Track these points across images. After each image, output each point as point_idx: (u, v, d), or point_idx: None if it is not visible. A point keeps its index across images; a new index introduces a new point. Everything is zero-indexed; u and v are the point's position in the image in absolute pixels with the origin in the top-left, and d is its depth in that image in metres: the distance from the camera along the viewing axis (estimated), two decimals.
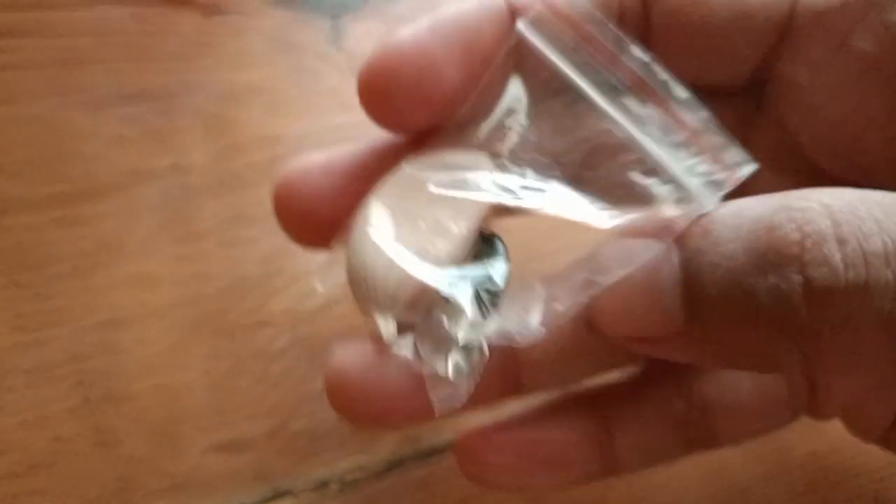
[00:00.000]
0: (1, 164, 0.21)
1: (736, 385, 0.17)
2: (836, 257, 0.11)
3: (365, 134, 0.23)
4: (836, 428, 0.21)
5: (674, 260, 0.13)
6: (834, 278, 0.11)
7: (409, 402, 0.15)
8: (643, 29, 0.16)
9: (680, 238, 0.13)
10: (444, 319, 0.14)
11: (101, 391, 0.19)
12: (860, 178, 0.15)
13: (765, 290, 0.11)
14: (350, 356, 0.15)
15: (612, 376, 0.18)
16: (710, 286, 0.12)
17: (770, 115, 0.17)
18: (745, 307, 0.12)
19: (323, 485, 0.18)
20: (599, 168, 0.15)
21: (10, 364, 0.19)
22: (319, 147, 0.22)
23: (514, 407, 0.17)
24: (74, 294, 0.20)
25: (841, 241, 0.11)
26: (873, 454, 0.20)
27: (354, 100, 0.23)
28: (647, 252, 0.13)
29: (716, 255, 0.12)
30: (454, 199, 0.15)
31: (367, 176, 0.16)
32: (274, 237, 0.21)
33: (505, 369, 0.16)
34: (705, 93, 0.15)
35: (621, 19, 0.16)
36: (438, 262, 0.15)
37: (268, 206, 0.21)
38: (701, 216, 0.13)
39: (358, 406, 0.15)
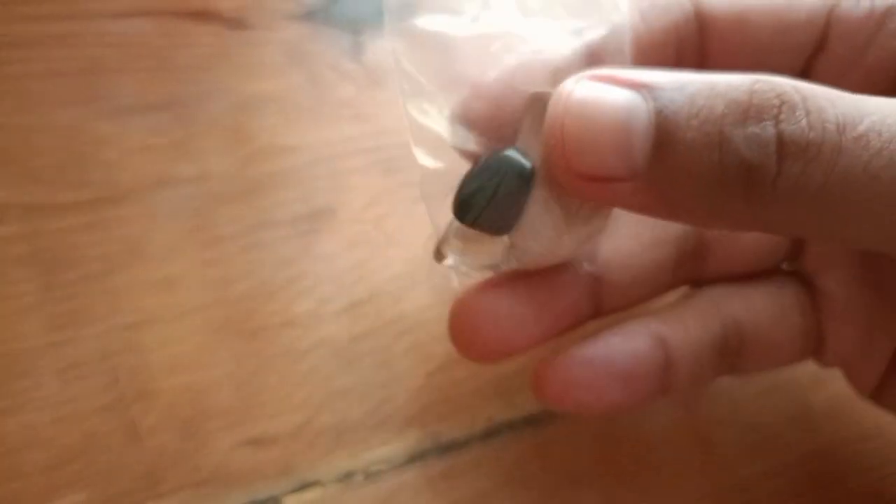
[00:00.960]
0: (29, 170, 0.22)
1: (768, 317, 0.19)
2: (804, 121, 0.13)
3: (380, 144, 0.24)
4: (833, 425, 0.22)
5: (648, 105, 0.14)
6: (801, 135, 0.13)
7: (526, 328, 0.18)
8: (700, 54, 0.18)
9: (652, 88, 0.14)
10: None
11: (131, 389, 0.19)
12: None
13: (743, 136, 0.13)
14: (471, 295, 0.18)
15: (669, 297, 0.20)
16: (685, 130, 0.14)
17: None
18: (718, 150, 0.13)
19: (349, 475, 0.19)
20: None
21: (43, 363, 0.19)
22: (337, 158, 0.23)
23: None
24: (103, 296, 0.20)
25: (807, 111, 0.13)
26: (875, 451, 0.21)
27: (370, 111, 0.25)
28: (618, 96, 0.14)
29: (693, 107, 0.14)
30: None
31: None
32: (294, 241, 0.22)
33: (591, 292, 0.18)
34: None
35: (680, 48, 0.18)
36: None
37: (288, 212, 0.23)
38: (675, 74, 0.14)
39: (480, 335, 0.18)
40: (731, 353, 0.19)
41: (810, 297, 0.20)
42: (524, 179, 0.16)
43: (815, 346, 0.20)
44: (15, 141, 0.22)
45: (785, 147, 0.13)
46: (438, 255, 0.18)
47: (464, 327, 0.18)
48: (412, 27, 0.15)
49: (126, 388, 0.19)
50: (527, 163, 0.16)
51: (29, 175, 0.22)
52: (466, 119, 0.16)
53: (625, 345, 0.18)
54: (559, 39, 0.16)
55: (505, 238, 0.16)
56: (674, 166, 0.14)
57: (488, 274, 0.18)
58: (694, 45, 0.18)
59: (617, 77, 0.14)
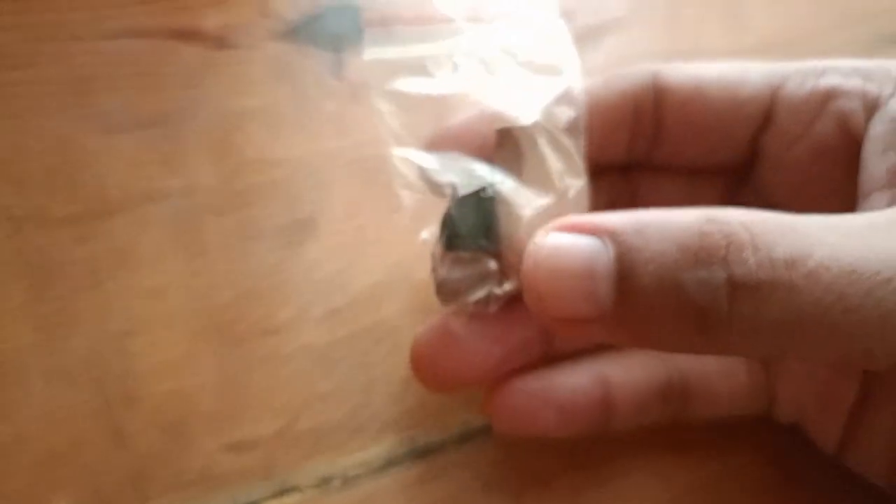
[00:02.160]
0: (21, 183, 0.23)
1: (712, 370, 0.20)
2: (752, 260, 0.14)
3: (360, 157, 0.25)
4: None
5: (609, 251, 0.15)
6: (750, 276, 0.14)
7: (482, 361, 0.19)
8: (656, 123, 0.20)
9: (613, 234, 0.15)
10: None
11: (117, 393, 0.20)
12: None
13: (695, 281, 0.14)
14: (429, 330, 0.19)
15: None
16: (643, 276, 0.15)
17: (755, 184, 0.21)
18: (674, 295, 0.14)
19: (326, 481, 0.20)
20: None
21: (32, 368, 0.20)
22: (319, 170, 0.24)
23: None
24: (91, 304, 0.21)
25: (755, 249, 0.14)
26: None
27: (351, 125, 0.26)
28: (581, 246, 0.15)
29: (648, 252, 0.15)
30: None
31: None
32: (278, 252, 0.23)
33: (542, 339, 0.19)
34: (709, 172, 0.19)
35: (637, 117, 0.20)
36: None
37: (271, 223, 0.23)
38: (633, 217, 0.15)
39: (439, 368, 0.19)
40: (676, 401, 0.20)
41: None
42: (486, 198, 0.18)
43: (768, 404, 0.20)
44: (8, 155, 0.23)
45: (736, 290, 0.14)
46: (443, 297, 0.19)
47: (422, 360, 0.19)
48: (394, 90, 0.18)
49: (113, 394, 0.20)
50: (486, 182, 0.18)
51: (21, 188, 0.23)
52: (436, 148, 0.18)
53: (565, 379, 0.20)
54: (519, 97, 0.18)
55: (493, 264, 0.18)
56: (635, 308, 0.15)
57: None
58: (651, 111, 0.20)
59: (581, 225, 0.15)
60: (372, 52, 0.18)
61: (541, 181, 0.18)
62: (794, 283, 0.14)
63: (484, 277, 0.18)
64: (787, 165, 0.19)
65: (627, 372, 0.20)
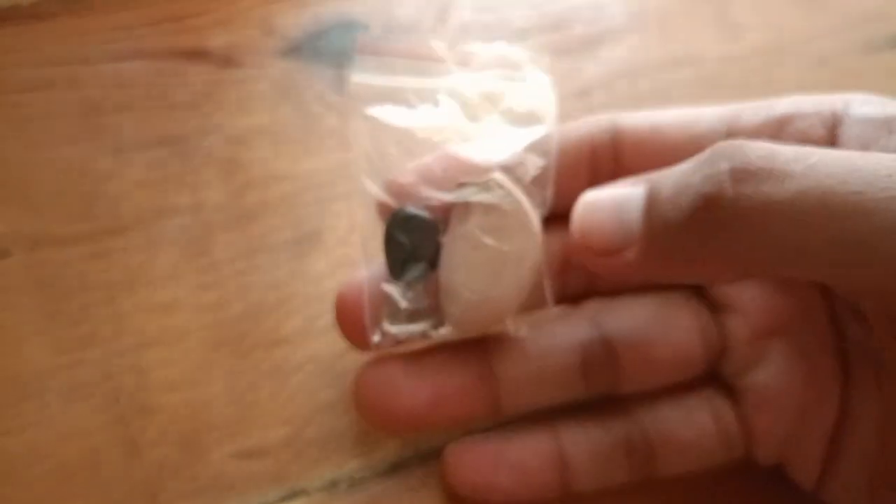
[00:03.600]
0: (35, 204, 0.24)
1: (673, 419, 0.20)
2: (754, 154, 0.15)
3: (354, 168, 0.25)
4: None
5: (641, 189, 0.17)
6: (752, 163, 0.15)
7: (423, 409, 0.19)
8: (615, 165, 0.20)
9: (648, 179, 0.17)
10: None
11: (132, 406, 0.21)
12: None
13: (701, 176, 0.16)
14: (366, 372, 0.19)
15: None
16: (663, 191, 0.17)
17: None
18: (686, 193, 0.16)
19: (333, 484, 0.20)
20: None
21: (49, 383, 0.21)
22: (323, 185, 0.25)
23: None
24: (105, 320, 0.22)
25: (757, 148, 0.15)
26: None
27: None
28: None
29: (671, 177, 0.17)
30: None
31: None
32: (285, 266, 0.24)
33: (485, 391, 0.20)
34: None
35: (595, 161, 0.20)
36: None
37: (278, 238, 0.24)
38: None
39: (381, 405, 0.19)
40: (641, 456, 0.20)
41: (730, 400, 0.20)
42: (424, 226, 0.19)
43: (744, 448, 0.20)
44: (23, 178, 0.24)
45: (737, 173, 0.15)
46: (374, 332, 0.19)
47: (361, 395, 0.20)
48: (372, 115, 0.18)
49: (127, 406, 0.21)
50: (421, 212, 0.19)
51: (36, 209, 0.24)
52: (392, 186, 0.19)
53: (516, 437, 0.20)
54: (493, 141, 0.19)
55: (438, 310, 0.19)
56: (657, 222, 0.16)
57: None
58: (609, 153, 0.20)
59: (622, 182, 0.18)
60: (360, 77, 0.19)
61: (492, 230, 0.18)
62: (793, 171, 0.15)
63: (422, 316, 0.19)
64: None
65: (582, 427, 0.20)
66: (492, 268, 0.18)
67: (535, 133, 0.19)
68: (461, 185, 0.19)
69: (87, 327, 0.22)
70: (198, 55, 0.27)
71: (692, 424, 0.20)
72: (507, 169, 0.19)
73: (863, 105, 0.18)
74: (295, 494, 0.20)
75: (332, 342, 0.22)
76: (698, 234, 0.16)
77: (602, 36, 0.30)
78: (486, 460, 0.20)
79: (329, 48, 0.28)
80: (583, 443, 0.20)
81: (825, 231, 0.14)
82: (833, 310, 0.19)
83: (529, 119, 0.19)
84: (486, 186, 0.18)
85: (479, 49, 0.20)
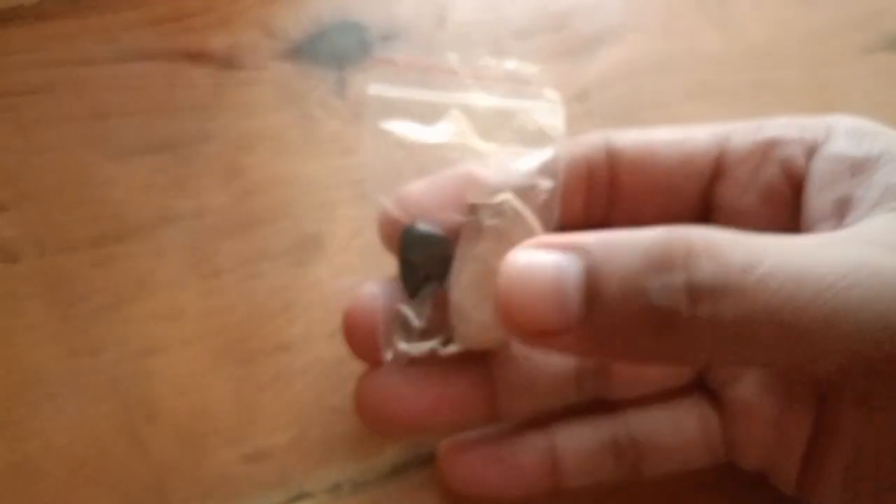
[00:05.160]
0: (41, 209, 0.24)
1: (661, 423, 0.21)
2: (708, 267, 0.15)
3: (363, 177, 0.26)
4: None
5: (579, 264, 0.16)
6: (707, 280, 0.15)
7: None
8: (611, 185, 0.20)
9: (582, 249, 0.16)
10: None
11: (139, 410, 0.21)
12: None
13: (657, 287, 0.15)
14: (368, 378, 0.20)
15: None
16: (609, 285, 0.16)
17: None
18: (639, 300, 0.15)
19: (337, 487, 0.21)
20: None
21: (59, 388, 0.21)
22: (325, 190, 0.25)
23: None
24: (113, 325, 0.23)
25: (711, 258, 0.15)
26: None
27: (354, 144, 0.27)
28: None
29: (615, 263, 0.16)
30: None
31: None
32: (287, 271, 0.24)
33: (483, 397, 0.20)
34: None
35: (591, 181, 0.21)
36: None
37: (281, 243, 0.24)
38: (601, 234, 0.16)
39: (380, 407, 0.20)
40: (628, 458, 0.20)
41: (716, 407, 0.21)
42: (437, 243, 0.19)
43: (726, 452, 0.21)
44: (29, 184, 0.24)
45: (694, 292, 0.15)
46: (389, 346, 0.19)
47: (362, 401, 0.20)
48: (386, 129, 0.19)
49: (135, 410, 0.21)
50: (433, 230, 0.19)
51: (43, 215, 0.24)
52: (403, 202, 0.19)
53: (510, 437, 0.20)
54: (506, 161, 0.19)
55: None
56: (603, 317, 0.16)
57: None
58: (605, 173, 0.21)
59: (552, 243, 0.17)
60: (376, 89, 0.19)
61: (503, 253, 0.18)
62: (746, 286, 0.15)
63: (431, 335, 0.19)
64: (739, 213, 0.20)
65: (573, 430, 0.20)
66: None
67: (545, 154, 0.19)
68: (473, 206, 0.19)
69: (94, 332, 0.22)
70: (199, 57, 0.27)
71: (678, 429, 0.21)
72: (520, 192, 0.19)
73: (840, 139, 0.19)
74: (299, 497, 0.21)
75: (334, 347, 0.23)
76: (647, 341, 0.16)
77: (602, 36, 0.30)
78: (479, 457, 0.20)
79: (329, 49, 0.28)
80: (573, 442, 0.20)
81: (773, 346, 0.15)
82: None
83: (540, 139, 0.19)
84: (499, 210, 0.18)
85: (491, 63, 0.20)
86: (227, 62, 0.28)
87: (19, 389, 0.21)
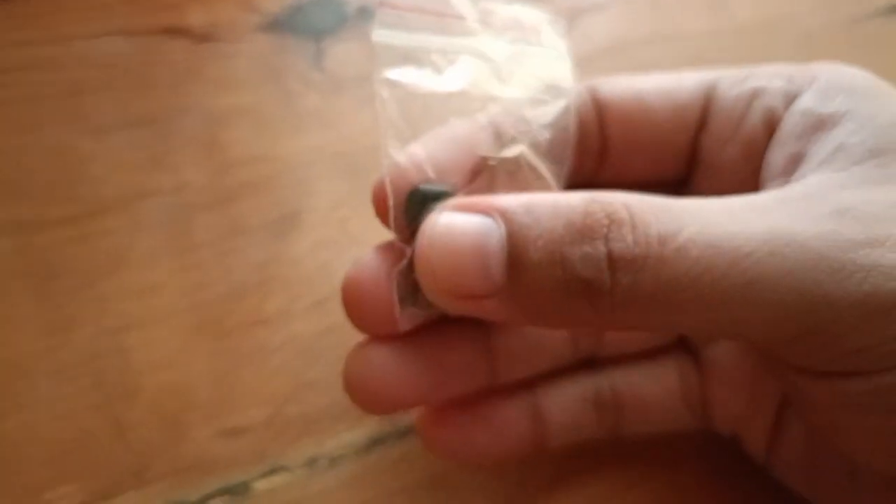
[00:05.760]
0: (19, 188, 0.24)
1: (643, 377, 0.21)
2: (629, 237, 0.15)
3: (343, 150, 0.26)
4: None
5: (501, 228, 0.16)
6: (627, 251, 0.15)
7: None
8: (601, 140, 0.20)
9: (504, 213, 0.16)
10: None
11: (117, 387, 0.21)
12: None
13: (578, 255, 0.15)
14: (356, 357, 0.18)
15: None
16: (532, 252, 0.15)
17: (693, 190, 0.21)
18: (561, 268, 0.15)
19: (313, 461, 0.21)
20: None
21: (37, 366, 0.21)
22: (304, 165, 0.25)
23: None
24: (88, 302, 0.22)
25: (633, 227, 0.15)
26: None
27: (334, 119, 0.26)
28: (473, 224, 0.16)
29: (538, 229, 0.15)
30: None
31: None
32: (265, 246, 0.24)
33: (481, 366, 0.19)
34: (652, 188, 0.19)
35: (582, 136, 0.20)
36: None
37: (259, 218, 0.24)
38: (523, 198, 0.16)
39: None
40: (609, 411, 0.20)
41: (696, 367, 0.21)
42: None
43: (703, 413, 0.21)
44: (5, 162, 0.24)
45: (615, 262, 0.15)
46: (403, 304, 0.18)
47: (354, 381, 0.18)
48: (396, 79, 0.17)
49: (112, 387, 0.21)
50: (440, 188, 0.17)
51: (19, 193, 0.24)
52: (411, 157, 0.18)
53: (494, 398, 0.20)
54: (522, 107, 0.18)
55: None
56: (526, 283, 0.16)
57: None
58: (595, 128, 0.20)
59: (474, 205, 0.16)
60: (380, 35, 0.17)
61: None
62: (664, 256, 0.15)
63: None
64: (721, 167, 0.20)
65: (556, 386, 0.20)
66: None
67: (558, 104, 0.18)
68: (485, 159, 0.18)
69: (71, 309, 0.22)
70: (177, 31, 0.27)
71: (660, 385, 0.21)
72: (534, 145, 0.18)
73: (813, 92, 0.18)
74: (275, 471, 0.21)
75: (311, 322, 0.23)
76: (571, 307, 0.16)
77: (587, 9, 0.30)
78: (461, 418, 0.20)
79: (306, 23, 0.28)
80: (557, 398, 0.20)
81: (695, 314, 0.15)
82: None
83: (550, 87, 0.18)
84: (514, 164, 0.18)
85: (497, 8, 0.19)
86: (205, 36, 0.27)
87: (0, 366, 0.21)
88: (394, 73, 0.17)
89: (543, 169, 0.18)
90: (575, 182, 0.20)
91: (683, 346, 0.21)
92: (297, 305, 0.23)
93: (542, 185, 0.18)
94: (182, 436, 0.21)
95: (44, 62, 0.26)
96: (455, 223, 0.16)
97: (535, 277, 0.15)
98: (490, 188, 0.18)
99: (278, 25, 0.28)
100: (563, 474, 0.22)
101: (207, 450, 0.21)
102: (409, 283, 0.17)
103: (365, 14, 0.28)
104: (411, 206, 0.17)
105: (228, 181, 0.25)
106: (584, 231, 0.15)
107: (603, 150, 0.20)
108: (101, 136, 0.25)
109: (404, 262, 0.17)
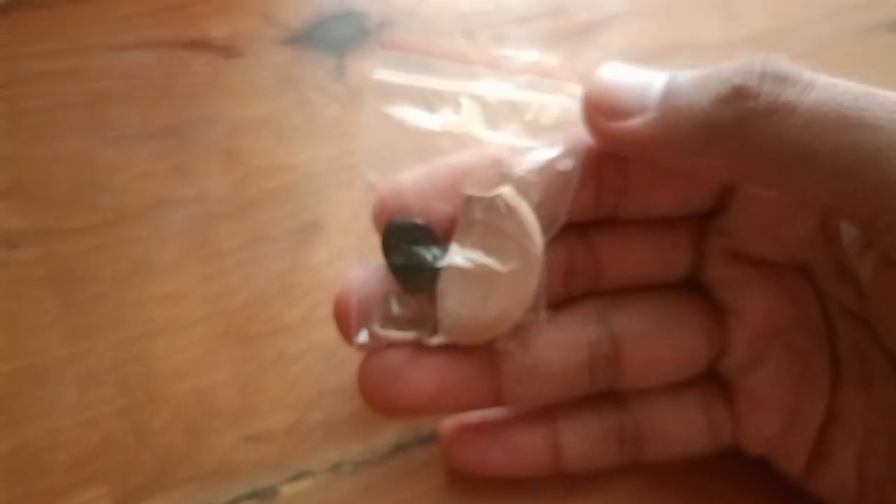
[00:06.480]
0: (44, 197, 0.24)
1: (666, 412, 0.21)
2: (784, 65, 0.16)
3: (362, 158, 0.26)
4: None
5: (663, 77, 0.18)
6: (781, 69, 0.16)
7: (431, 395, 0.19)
8: (622, 173, 0.19)
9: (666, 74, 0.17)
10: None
11: (142, 394, 0.22)
12: (780, 255, 0.20)
13: (733, 69, 0.16)
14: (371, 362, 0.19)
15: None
16: (690, 83, 0.17)
17: (726, 228, 0.20)
18: (716, 82, 0.17)
19: (337, 466, 0.21)
20: None
21: (64, 372, 0.22)
22: (324, 174, 0.25)
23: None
24: (114, 310, 0.23)
25: (788, 62, 0.16)
26: None
27: (353, 130, 0.27)
28: None
29: (696, 75, 0.17)
30: None
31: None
32: (287, 255, 0.24)
33: (488, 380, 0.20)
34: (674, 221, 0.20)
35: (600, 169, 0.19)
36: None
37: (280, 227, 0.25)
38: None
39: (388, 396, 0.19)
40: (631, 443, 0.20)
41: (725, 397, 0.21)
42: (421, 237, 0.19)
43: (731, 439, 0.21)
44: (30, 171, 0.25)
45: (766, 75, 0.16)
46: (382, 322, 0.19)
47: (367, 389, 0.19)
48: (389, 114, 0.18)
49: (137, 394, 0.22)
50: (412, 221, 0.19)
51: (44, 202, 0.24)
52: (395, 190, 0.19)
53: (513, 419, 0.21)
54: (510, 152, 0.19)
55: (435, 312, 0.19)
56: (678, 97, 0.17)
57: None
58: (614, 160, 0.20)
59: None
60: (381, 73, 0.18)
61: (493, 249, 0.18)
62: (818, 83, 0.16)
63: (419, 324, 0.19)
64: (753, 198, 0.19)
65: (578, 417, 0.20)
66: (488, 288, 0.18)
67: (554, 150, 0.18)
68: (468, 198, 0.18)
69: (96, 317, 0.23)
70: (200, 45, 0.28)
71: (683, 418, 0.21)
72: (519, 185, 0.18)
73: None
74: (300, 476, 0.21)
75: (333, 329, 0.23)
76: (715, 120, 0.16)
77: (602, 22, 0.30)
78: (482, 435, 0.20)
79: (328, 37, 0.28)
80: (577, 429, 0.20)
81: (834, 139, 0.16)
82: (827, 311, 0.20)
83: (553, 133, 0.19)
84: (491, 204, 0.18)
85: (511, 53, 0.19)
86: (227, 50, 0.28)
87: (20, 374, 0.21)
88: (383, 108, 0.18)
89: (524, 209, 0.18)
90: (596, 217, 0.20)
91: (710, 377, 0.21)
92: (319, 313, 0.23)
93: (518, 227, 0.18)
94: (207, 441, 0.21)
95: (68, 73, 0.26)
96: (624, 68, 0.18)
97: (687, 91, 0.17)
98: (469, 224, 0.19)
99: (299, 39, 0.28)
100: (578, 480, 0.22)
101: (232, 455, 0.21)
102: (386, 305, 0.19)
103: (385, 29, 0.29)
104: (386, 238, 0.19)
105: (250, 190, 0.25)
106: (742, 61, 0.17)
107: (623, 184, 0.20)
108: (124, 146, 0.25)
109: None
